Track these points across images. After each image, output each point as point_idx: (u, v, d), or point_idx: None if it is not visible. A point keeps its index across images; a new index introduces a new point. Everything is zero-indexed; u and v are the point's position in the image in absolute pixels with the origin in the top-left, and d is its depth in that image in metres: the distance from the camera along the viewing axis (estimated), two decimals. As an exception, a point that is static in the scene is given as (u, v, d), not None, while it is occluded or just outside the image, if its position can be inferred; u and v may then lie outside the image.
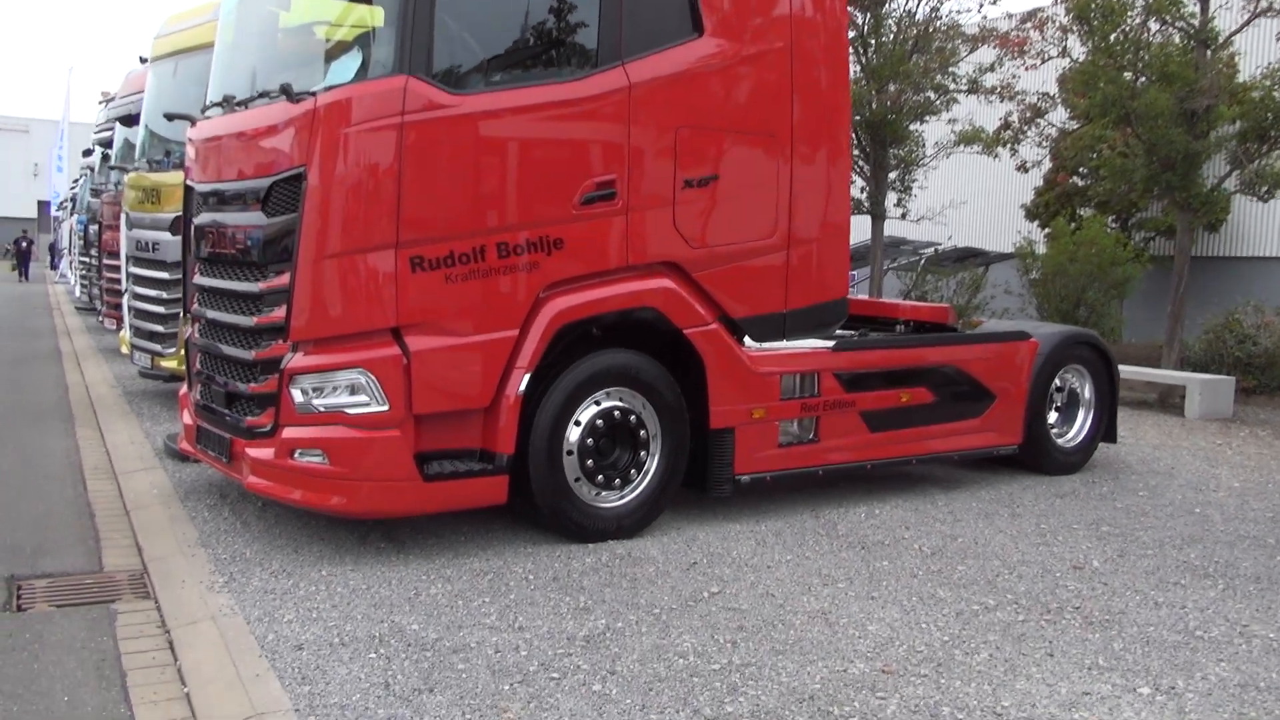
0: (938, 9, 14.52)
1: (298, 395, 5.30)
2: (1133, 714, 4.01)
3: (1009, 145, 14.65)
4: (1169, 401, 12.11)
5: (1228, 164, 13.12)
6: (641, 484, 5.96)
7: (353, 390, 5.24)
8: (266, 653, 4.27)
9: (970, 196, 19.58)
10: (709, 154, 6.14)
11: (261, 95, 5.80)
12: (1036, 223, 18.65)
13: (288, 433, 5.33)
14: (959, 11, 23.53)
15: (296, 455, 5.28)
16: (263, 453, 5.43)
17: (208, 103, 6.51)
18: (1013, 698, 4.10)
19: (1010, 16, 15.72)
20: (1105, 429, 8.34)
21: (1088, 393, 8.32)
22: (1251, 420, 11.30)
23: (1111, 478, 8.12)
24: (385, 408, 5.24)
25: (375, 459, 5.26)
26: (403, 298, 5.24)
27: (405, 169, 5.18)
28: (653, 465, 5.99)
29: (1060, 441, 8.16)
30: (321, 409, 5.27)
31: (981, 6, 14.90)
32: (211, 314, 6.04)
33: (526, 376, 5.52)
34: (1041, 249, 15.93)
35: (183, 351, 6.77)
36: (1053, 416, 8.13)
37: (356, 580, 5.16)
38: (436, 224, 5.31)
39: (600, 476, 5.83)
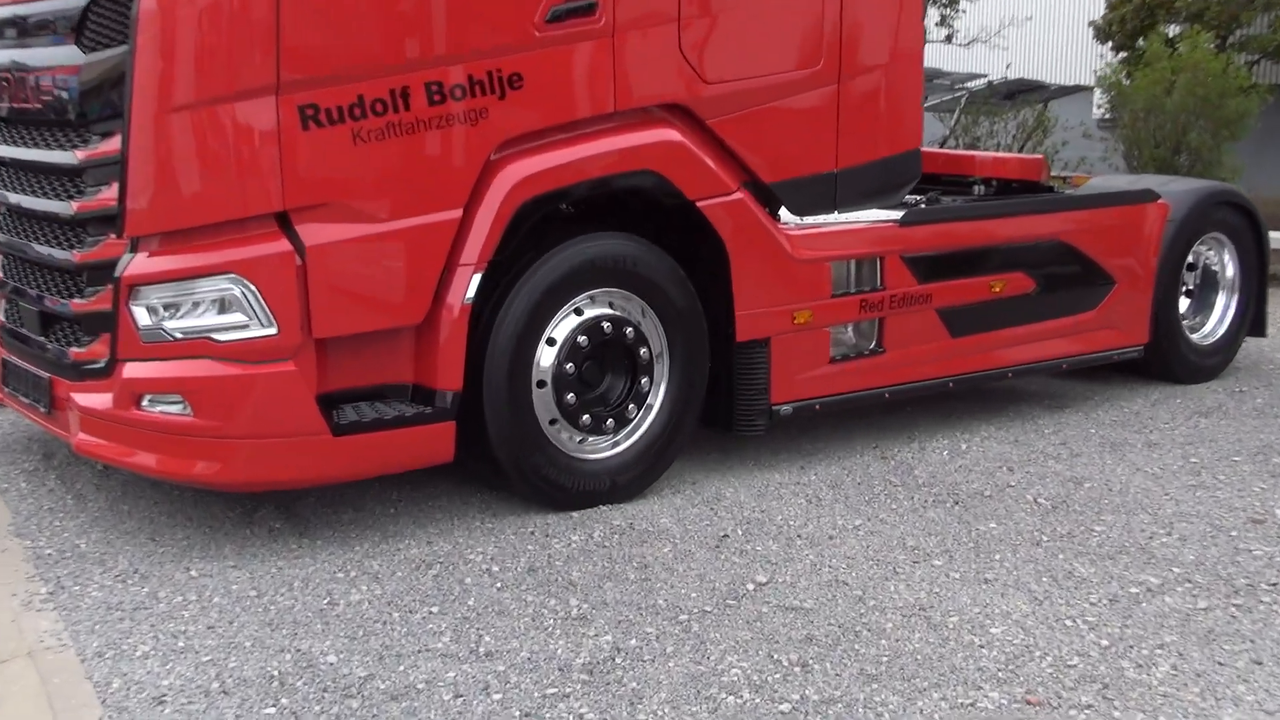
0: None
1: (143, 316, 4.77)
2: (1404, 759, 3.45)
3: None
4: (1307, 275, 11.64)
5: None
6: (643, 424, 5.59)
7: (222, 306, 4.74)
8: (111, 711, 3.69)
9: (1024, 14, 18.96)
10: (726, -54, 5.61)
11: None
12: (1110, 44, 18.09)
13: (131, 370, 4.84)
14: None
15: (146, 403, 4.82)
16: (97, 400, 4.94)
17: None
18: (1226, 739, 3.56)
19: None
20: (1252, 319, 8.03)
21: (1230, 271, 7.95)
22: None
23: (1263, 385, 7.78)
24: (271, 330, 4.74)
25: (260, 406, 4.78)
26: (291, 168, 4.71)
27: (286, -26, 4.64)
28: (658, 397, 5.62)
29: (1194, 337, 7.84)
30: (178, 335, 4.76)
31: None
32: (13, 198, 5.50)
33: (476, 277, 5.05)
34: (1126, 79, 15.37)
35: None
36: (1184, 304, 7.79)
37: (242, 583, 4.63)
38: (336, 57, 4.76)
39: (586, 416, 5.41)
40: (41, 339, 5.34)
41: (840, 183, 6.11)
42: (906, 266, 6.30)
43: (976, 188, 7.80)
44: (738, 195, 5.70)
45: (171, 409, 4.77)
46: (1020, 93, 18.05)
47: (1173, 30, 16.84)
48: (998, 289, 6.69)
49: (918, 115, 6.52)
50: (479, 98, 5.00)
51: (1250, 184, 16.25)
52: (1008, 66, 17.82)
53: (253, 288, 4.68)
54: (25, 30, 5.32)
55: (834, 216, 6.16)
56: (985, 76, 17.80)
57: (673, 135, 5.52)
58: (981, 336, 6.69)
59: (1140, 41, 16.69)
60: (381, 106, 4.81)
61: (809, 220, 6.07)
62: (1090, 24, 18.86)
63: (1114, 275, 7.19)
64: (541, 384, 5.27)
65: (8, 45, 5.43)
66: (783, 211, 6.00)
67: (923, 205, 6.94)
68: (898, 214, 6.37)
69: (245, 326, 4.71)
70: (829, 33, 5.93)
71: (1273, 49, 16.46)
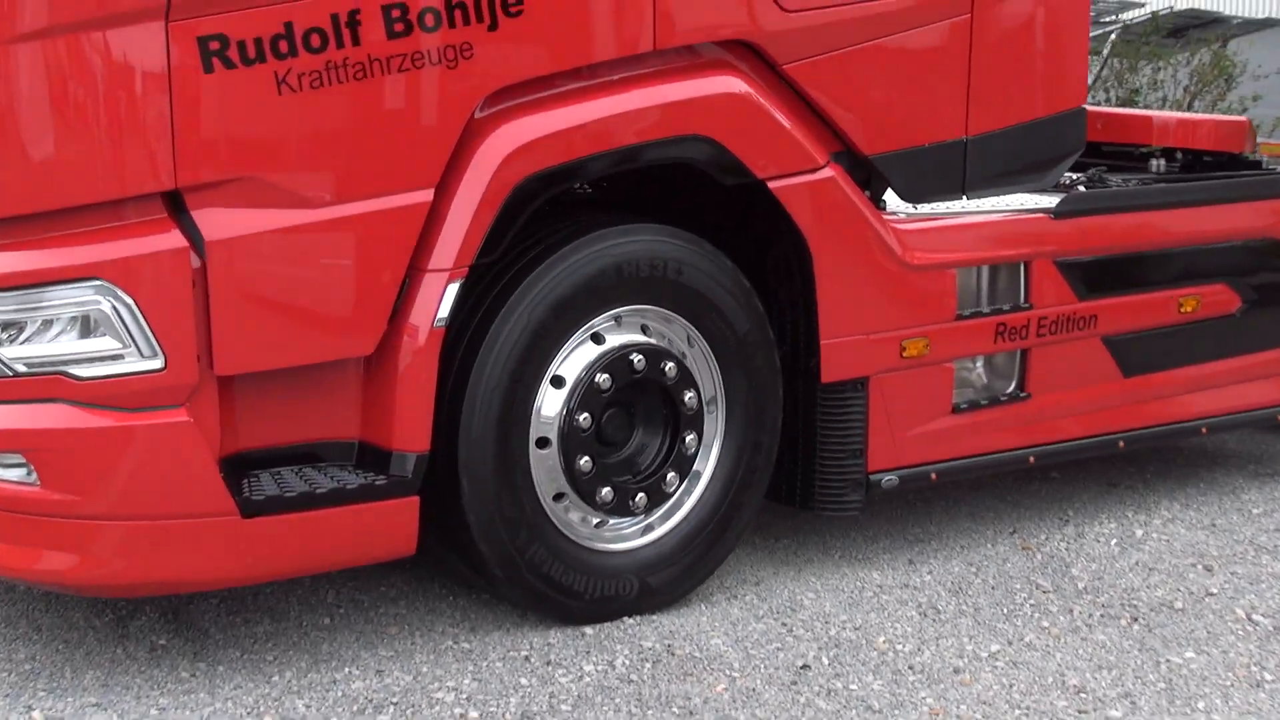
0: None
1: (-29, 340, 4.79)
2: None
3: None
4: None
5: None
6: (687, 500, 5.59)
7: (85, 327, 4.62)
8: None
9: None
10: None
11: None
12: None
13: (-48, 420, 4.88)
14: None
15: (-27, 467, 4.85)
16: (-98, 458, 4.99)
17: None
18: None
19: None
20: None
21: None
22: None
23: None
24: (155, 363, 4.61)
25: (138, 472, 4.66)
26: (187, 127, 4.60)
27: None
28: (709, 462, 5.61)
29: None
30: (20, 368, 4.65)
31: None
32: None
33: (453, 288, 4.97)
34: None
35: None
36: None
37: (107, 734, 4.50)
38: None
39: (606, 489, 5.37)
40: None
41: (972, 155, 6.12)
42: (1063, 275, 6.32)
43: (1155, 162, 7.82)
44: (826, 172, 5.67)
45: (9, 474, 4.68)
46: (1192, 27, 18.05)
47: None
48: (1189, 308, 6.71)
49: (1083, 59, 6.53)
50: (460, 28, 4.91)
51: None
52: (1174, -7, 17.98)
53: (129, 301, 4.57)
54: None
55: (961, 203, 6.17)
56: (1144, 4, 17.76)
57: (736, 85, 5.48)
58: (1165, 375, 6.74)
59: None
60: (319, 39, 4.70)
61: (925, 209, 6.07)
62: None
63: (1350, 290, 7.19)
64: (544, 442, 5.22)
65: None
66: (889, 196, 5.99)
67: (1083, 188, 6.91)
68: (1051, 200, 6.36)
69: (118, 357, 4.60)
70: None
71: None
